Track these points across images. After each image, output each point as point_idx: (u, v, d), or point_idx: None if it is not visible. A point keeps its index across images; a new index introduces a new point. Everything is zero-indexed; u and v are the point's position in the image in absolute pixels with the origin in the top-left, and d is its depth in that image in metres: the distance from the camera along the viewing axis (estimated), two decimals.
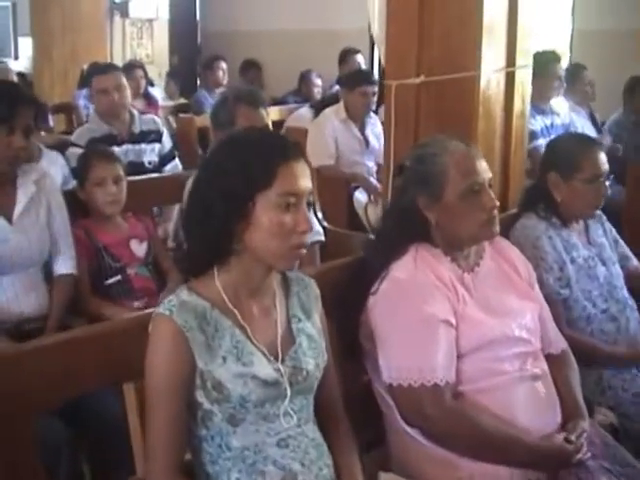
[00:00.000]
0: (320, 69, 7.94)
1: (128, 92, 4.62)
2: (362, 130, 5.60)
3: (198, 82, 9.45)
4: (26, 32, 10.00)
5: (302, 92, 7.75)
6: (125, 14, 10.04)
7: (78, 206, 3.30)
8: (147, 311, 2.14)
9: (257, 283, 1.88)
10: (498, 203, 2.31)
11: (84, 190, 3.33)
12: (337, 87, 7.37)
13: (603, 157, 2.95)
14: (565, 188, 2.93)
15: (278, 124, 6.25)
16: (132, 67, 7.04)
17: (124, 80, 4.63)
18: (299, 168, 1.80)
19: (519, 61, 3.27)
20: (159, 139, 4.69)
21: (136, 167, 4.36)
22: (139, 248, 3.35)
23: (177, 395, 1.77)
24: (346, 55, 7.46)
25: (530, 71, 3.38)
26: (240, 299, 1.86)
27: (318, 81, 7.74)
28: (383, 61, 3.40)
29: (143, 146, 4.59)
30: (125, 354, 2.00)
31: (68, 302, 3.06)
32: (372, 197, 5.30)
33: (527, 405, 2.24)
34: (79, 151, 4.21)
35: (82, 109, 7.02)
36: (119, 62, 9.49)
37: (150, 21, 10.73)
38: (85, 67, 8.31)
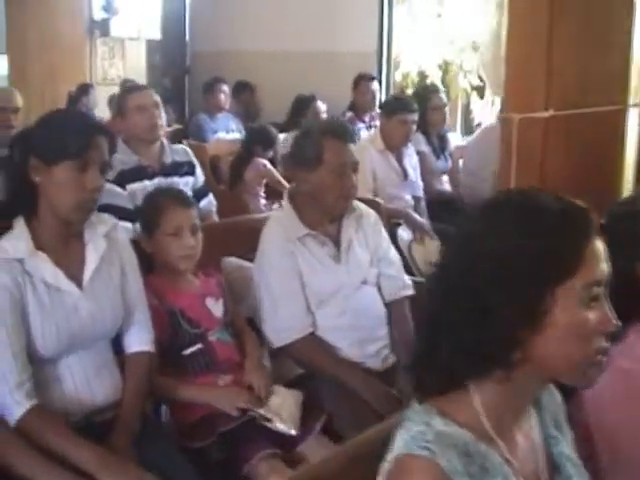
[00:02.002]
0: (321, 93, 7.44)
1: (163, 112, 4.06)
2: (400, 161, 5.14)
3: (187, 106, 8.90)
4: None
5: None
6: (106, 33, 9.47)
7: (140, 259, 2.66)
8: None
9: (529, 403, 1.40)
10: None
11: (153, 241, 2.76)
12: (350, 114, 6.95)
13: None
14: None
15: None
16: None
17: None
18: (601, 247, 1.33)
19: None
20: (192, 172, 4.12)
21: None
22: (216, 307, 2.78)
23: None
24: (361, 81, 6.95)
25: None
26: (503, 424, 1.37)
27: (323, 107, 7.15)
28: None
29: (176, 179, 3.99)
30: None
31: (146, 387, 2.50)
32: (417, 235, 4.84)
33: None
34: (108, 186, 3.70)
35: None
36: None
37: (122, 40, 10.21)
38: (73, 89, 7.84)
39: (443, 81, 9.53)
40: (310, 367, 2.95)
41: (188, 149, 4.28)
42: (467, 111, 9.88)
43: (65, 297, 2.30)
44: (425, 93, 5.71)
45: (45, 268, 2.28)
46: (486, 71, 9.44)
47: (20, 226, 2.31)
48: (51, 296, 2.28)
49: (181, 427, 2.64)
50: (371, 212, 3.20)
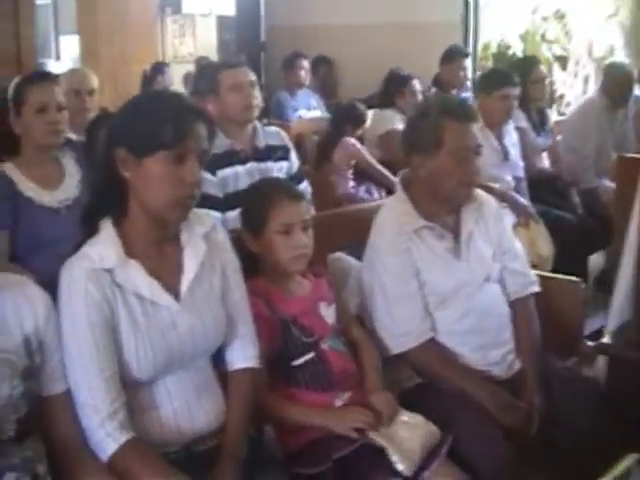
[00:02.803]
0: (402, 66, 6.97)
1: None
2: (500, 140, 4.72)
3: (262, 82, 8.59)
4: (68, 31, 9.33)
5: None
6: (177, 10, 9.26)
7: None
8: None
9: None
10: None
11: (259, 240, 2.40)
12: (434, 89, 6.54)
13: None
14: None
15: None
16: None
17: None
18: None
19: None
20: (287, 156, 3.80)
21: None
22: (328, 313, 2.44)
23: None
24: (454, 56, 6.45)
25: None
26: None
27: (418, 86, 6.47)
28: None
29: (270, 164, 3.68)
30: None
31: (251, 408, 2.18)
32: (521, 219, 4.45)
33: None
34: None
35: None
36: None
37: (193, 17, 10.00)
38: (147, 68, 7.65)
39: (524, 52, 9.09)
40: (430, 376, 2.62)
41: (282, 132, 3.94)
42: (549, 83, 9.41)
43: (161, 311, 1.99)
44: (525, 65, 5.27)
45: (138, 278, 1.97)
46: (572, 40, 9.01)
47: (107, 230, 2.00)
48: (145, 311, 1.97)
49: (289, 450, 2.32)
50: (492, 200, 2.86)
